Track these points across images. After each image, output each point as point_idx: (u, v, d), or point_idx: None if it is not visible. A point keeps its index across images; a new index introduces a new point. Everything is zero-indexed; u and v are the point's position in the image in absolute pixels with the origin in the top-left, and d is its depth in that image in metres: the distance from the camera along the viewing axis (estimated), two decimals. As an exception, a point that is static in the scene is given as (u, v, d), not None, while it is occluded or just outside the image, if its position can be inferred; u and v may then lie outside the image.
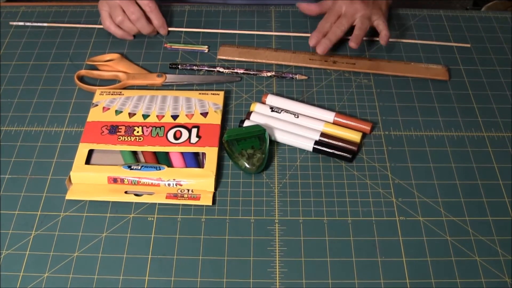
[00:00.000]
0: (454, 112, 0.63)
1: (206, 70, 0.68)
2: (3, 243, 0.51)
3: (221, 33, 0.74)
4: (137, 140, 0.58)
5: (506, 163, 0.58)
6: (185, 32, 0.74)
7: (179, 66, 0.69)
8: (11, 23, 0.75)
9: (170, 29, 0.74)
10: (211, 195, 0.54)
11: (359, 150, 0.59)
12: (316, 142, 0.58)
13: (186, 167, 0.56)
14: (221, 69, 0.68)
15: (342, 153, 0.57)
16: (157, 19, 0.72)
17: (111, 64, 0.67)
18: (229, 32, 0.74)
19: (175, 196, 0.54)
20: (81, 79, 0.67)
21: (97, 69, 0.68)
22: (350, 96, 0.65)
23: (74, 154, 0.57)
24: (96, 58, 0.69)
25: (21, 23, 0.75)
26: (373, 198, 0.55)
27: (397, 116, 0.63)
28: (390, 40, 0.72)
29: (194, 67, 0.68)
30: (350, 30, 0.68)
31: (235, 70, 0.68)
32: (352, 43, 0.67)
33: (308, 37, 0.71)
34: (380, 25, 0.69)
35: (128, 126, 0.59)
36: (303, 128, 0.60)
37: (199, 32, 0.74)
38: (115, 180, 0.55)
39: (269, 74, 0.67)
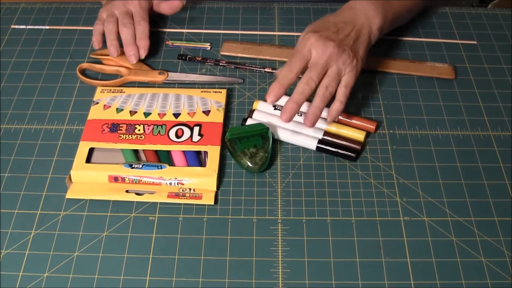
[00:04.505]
0: (460, 111, 0.63)
1: (213, 64, 0.68)
2: (2, 242, 0.51)
3: (223, 33, 0.73)
4: (138, 138, 0.57)
5: (513, 162, 0.57)
6: (187, 28, 0.74)
7: (187, 58, 0.68)
8: (12, 26, 0.74)
9: (171, 30, 0.73)
10: (213, 194, 0.54)
11: (363, 149, 0.58)
12: (320, 141, 0.58)
13: (188, 166, 0.56)
14: (231, 65, 0.67)
15: (346, 152, 0.57)
16: (143, 46, 0.66)
17: (115, 59, 0.67)
18: (231, 33, 0.73)
19: (177, 195, 0.53)
20: (83, 72, 0.67)
21: (101, 63, 0.67)
22: (355, 95, 0.64)
23: (75, 152, 0.56)
24: (100, 52, 0.68)
25: (22, 27, 0.74)
26: (377, 198, 0.54)
27: (402, 115, 0.62)
28: (396, 38, 0.71)
29: (201, 60, 0.68)
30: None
31: (244, 66, 0.67)
32: (307, 122, 0.54)
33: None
34: (340, 91, 0.55)
35: (129, 124, 0.59)
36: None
37: (201, 28, 0.74)
38: (116, 179, 0.54)
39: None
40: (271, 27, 0.74)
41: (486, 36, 0.73)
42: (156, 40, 0.72)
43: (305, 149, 0.59)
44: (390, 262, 0.49)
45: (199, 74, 0.67)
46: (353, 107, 0.63)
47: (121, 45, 0.67)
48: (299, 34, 0.72)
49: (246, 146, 0.56)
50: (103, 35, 0.67)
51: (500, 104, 0.64)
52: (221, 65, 0.68)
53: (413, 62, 0.68)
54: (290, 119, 0.54)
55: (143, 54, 0.66)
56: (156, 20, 0.75)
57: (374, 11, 0.61)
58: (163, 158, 0.57)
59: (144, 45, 0.66)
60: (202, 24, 0.74)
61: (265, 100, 0.63)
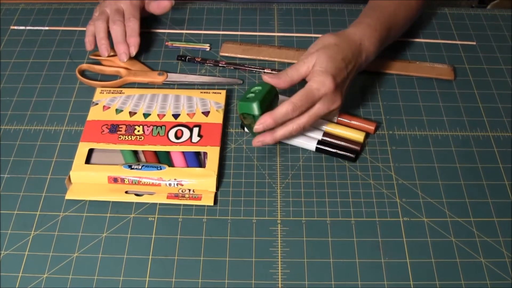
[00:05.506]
0: (459, 112, 0.63)
1: (213, 65, 0.68)
2: (2, 243, 0.51)
3: (222, 34, 0.73)
4: (138, 139, 0.57)
5: (512, 163, 0.57)
6: (187, 29, 0.74)
7: (187, 59, 0.68)
8: (12, 27, 0.74)
9: (171, 31, 0.73)
10: (212, 195, 0.54)
11: (363, 149, 0.58)
12: (319, 142, 0.58)
13: (188, 166, 0.56)
14: (230, 66, 0.67)
15: (345, 153, 0.57)
16: (133, 43, 0.65)
17: (114, 60, 0.67)
18: (231, 34, 0.73)
19: (176, 196, 0.53)
20: (82, 73, 0.67)
21: (100, 64, 0.67)
22: (354, 95, 0.64)
23: (74, 153, 0.56)
24: (99, 52, 0.68)
25: (22, 27, 0.74)
26: (376, 198, 0.54)
27: (401, 116, 0.62)
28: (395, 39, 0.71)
29: (201, 61, 0.68)
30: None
31: (243, 67, 0.67)
32: (257, 142, 0.54)
33: (313, 37, 0.70)
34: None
35: (129, 125, 0.59)
36: (306, 127, 0.59)
37: (201, 29, 0.74)
38: (115, 180, 0.54)
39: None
40: (270, 28, 0.74)
41: (485, 37, 0.73)
42: (155, 41, 0.72)
43: (305, 150, 0.59)
44: (389, 263, 0.49)
45: (198, 75, 0.67)
46: (353, 108, 0.63)
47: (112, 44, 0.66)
48: (298, 35, 0.72)
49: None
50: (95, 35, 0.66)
51: (499, 104, 0.64)
52: (221, 66, 0.68)
53: (413, 62, 0.68)
54: (257, 146, 0.55)
55: (133, 52, 0.65)
56: (155, 21, 0.75)
57: (375, 50, 0.59)
58: (163, 159, 0.57)
59: (134, 42, 0.65)
60: (201, 25, 0.74)
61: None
